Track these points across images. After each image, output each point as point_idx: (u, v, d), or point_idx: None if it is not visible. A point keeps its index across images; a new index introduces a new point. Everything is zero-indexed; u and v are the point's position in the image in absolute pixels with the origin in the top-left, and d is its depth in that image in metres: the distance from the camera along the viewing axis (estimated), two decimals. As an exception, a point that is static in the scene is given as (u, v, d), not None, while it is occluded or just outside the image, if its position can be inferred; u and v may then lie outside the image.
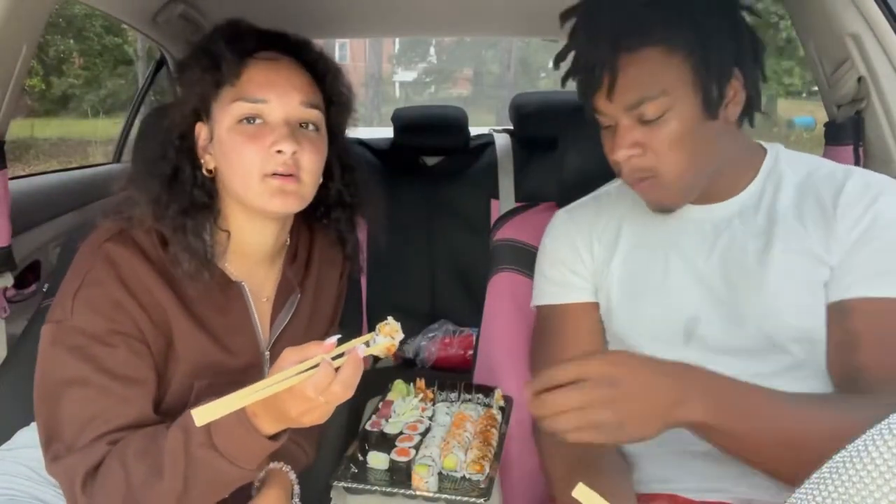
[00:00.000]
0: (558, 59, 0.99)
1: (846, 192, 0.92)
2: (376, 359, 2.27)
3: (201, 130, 0.95)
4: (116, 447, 0.82)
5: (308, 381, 0.70)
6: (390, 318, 0.78)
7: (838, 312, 0.89)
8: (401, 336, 0.78)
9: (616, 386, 0.74)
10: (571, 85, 0.99)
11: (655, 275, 1.00)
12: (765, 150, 1.01)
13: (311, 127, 0.94)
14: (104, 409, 0.84)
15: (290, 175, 0.90)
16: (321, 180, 0.98)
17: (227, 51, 0.90)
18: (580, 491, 0.65)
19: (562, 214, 1.14)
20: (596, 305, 1.07)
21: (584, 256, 1.08)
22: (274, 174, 0.89)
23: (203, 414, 0.67)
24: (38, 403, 0.87)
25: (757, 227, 0.96)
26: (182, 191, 0.92)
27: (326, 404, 0.73)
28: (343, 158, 1.05)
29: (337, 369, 0.71)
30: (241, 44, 0.92)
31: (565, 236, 1.10)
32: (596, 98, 0.92)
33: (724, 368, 0.94)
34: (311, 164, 0.92)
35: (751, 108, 0.95)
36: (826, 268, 0.91)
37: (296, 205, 0.93)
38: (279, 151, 0.88)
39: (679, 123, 0.88)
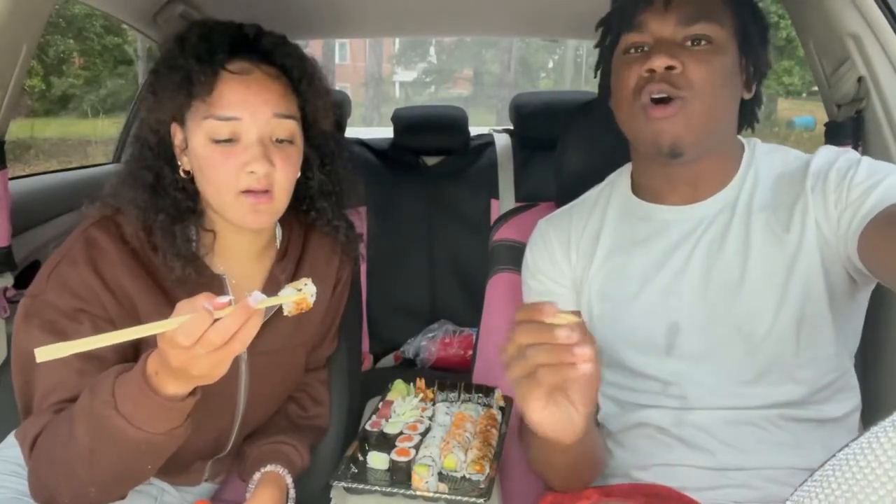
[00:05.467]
0: None
1: (836, 168, 0.91)
2: (376, 359, 2.27)
3: (177, 132, 0.95)
4: (58, 414, 0.85)
5: (179, 326, 0.68)
6: (305, 278, 0.75)
7: (883, 217, 0.81)
8: (311, 289, 0.73)
9: None
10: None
11: (633, 283, 0.99)
12: (743, 146, 1.02)
13: (284, 140, 0.93)
14: (63, 381, 0.87)
15: (265, 191, 0.91)
16: (298, 175, 0.98)
17: (196, 65, 0.89)
18: None
19: (542, 224, 1.13)
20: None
21: (562, 266, 1.07)
22: (247, 191, 0.90)
23: (46, 351, 0.65)
24: (14, 373, 0.91)
25: (735, 228, 0.95)
26: (166, 196, 0.93)
27: (208, 355, 0.69)
28: (322, 148, 1.04)
29: None
30: (212, 55, 0.90)
31: (544, 246, 1.09)
32: (646, 13, 0.92)
33: (705, 376, 0.93)
34: (283, 180, 0.93)
35: (754, 102, 1.00)
36: (813, 254, 0.90)
37: (269, 221, 0.95)
38: (252, 172, 0.89)
39: (720, 60, 0.91)
